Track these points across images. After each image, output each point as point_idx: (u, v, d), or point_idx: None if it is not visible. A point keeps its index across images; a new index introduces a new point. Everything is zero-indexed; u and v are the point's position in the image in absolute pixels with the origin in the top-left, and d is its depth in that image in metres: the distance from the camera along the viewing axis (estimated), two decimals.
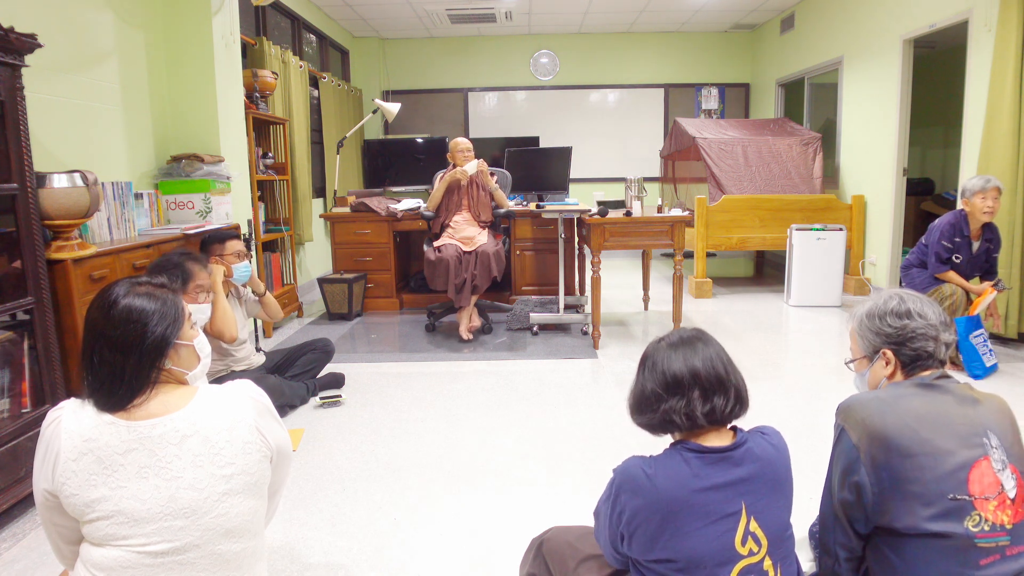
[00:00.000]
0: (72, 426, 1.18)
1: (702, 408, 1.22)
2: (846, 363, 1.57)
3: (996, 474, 1.23)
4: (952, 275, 3.60)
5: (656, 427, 1.29)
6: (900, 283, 4.13)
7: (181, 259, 2.62)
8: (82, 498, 1.16)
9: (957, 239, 3.59)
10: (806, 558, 1.70)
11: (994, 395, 1.37)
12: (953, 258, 3.62)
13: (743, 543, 1.18)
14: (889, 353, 1.42)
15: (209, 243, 3.02)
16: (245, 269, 3.02)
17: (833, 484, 1.34)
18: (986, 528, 1.20)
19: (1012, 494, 1.23)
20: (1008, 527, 1.21)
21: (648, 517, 1.18)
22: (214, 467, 1.20)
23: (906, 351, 1.40)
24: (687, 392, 1.23)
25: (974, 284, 3.65)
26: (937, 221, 3.68)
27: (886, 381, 1.44)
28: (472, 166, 4.43)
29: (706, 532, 1.17)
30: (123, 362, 1.19)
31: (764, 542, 1.19)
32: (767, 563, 1.19)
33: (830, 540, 1.36)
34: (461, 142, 4.55)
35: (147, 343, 1.21)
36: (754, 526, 1.19)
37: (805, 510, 2.08)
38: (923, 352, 1.39)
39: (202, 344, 1.35)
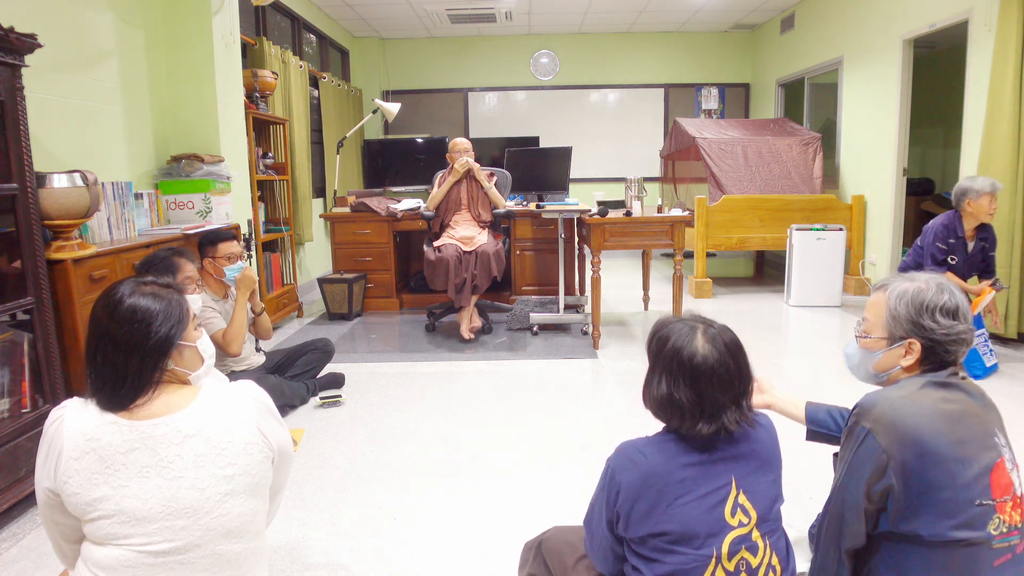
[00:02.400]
0: (75, 425, 1.18)
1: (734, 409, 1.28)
2: (857, 335, 1.44)
3: (1009, 474, 1.21)
4: (949, 276, 3.60)
5: (685, 412, 1.25)
6: None
7: (168, 254, 2.63)
8: (84, 497, 1.16)
9: (951, 240, 3.59)
10: (805, 559, 1.70)
11: (982, 391, 1.32)
12: (948, 259, 3.62)
13: (732, 514, 1.22)
14: (918, 346, 1.30)
15: (203, 244, 2.99)
16: (236, 270, 2.99)
17: (851, 490, 1.24)
18: (1004, 530, 1.18)
19: (1020, 492, 1.22)
20: (1019, 526, 1.19)
21: (642, 491, 1.22)
22: (216, 467, 1.20)
23: (940, 351, 1.29)
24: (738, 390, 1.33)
25: (972, 284, 3.66)
26: (931, 223, 3.68)
27: (900, 371, 1.35)
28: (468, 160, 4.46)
29: (697, 504, 1.21)
30: (126, 361, 1.20)
31: (753, 515, 1.24)
32: (756, 534, 1.24)
33: (834, 545, 1.28)
34: (460, 142, 4.55)
35: (151, 343, 1.21)
36: (743, 499, 1.24)
37: (805, 511, 2.08)
38: (955, 356, 1.30)
39: (205, 345, 1.35)
